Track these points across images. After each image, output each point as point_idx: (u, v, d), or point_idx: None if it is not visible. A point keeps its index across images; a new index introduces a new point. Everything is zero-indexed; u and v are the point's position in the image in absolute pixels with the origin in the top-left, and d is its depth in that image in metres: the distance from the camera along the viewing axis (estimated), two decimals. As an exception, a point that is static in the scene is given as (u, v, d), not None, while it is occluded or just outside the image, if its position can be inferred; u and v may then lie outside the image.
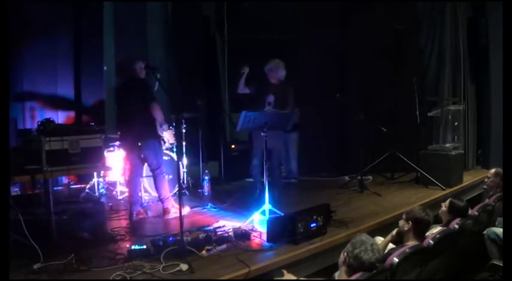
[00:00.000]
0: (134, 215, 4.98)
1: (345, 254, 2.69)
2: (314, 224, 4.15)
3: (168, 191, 5.13)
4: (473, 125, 7.61)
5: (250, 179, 6.78)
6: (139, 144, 4.93)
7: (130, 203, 5.07)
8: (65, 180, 6.42)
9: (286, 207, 4.94)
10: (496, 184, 4.81)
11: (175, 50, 7.47)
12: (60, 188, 6.35)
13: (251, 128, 4.84)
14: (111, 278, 3.28)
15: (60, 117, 6.67)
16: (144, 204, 5.52)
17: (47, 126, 4.07)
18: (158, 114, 4.94)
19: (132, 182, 5.11)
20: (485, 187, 5.06)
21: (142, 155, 5.02)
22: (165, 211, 5.05)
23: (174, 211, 4.99)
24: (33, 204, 4.49)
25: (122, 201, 5.77)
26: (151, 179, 5.24)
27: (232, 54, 7.99)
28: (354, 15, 7.28)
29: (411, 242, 3.30)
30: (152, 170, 5.08)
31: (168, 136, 6.16)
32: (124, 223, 4.88)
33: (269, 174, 4.96)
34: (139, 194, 5.34)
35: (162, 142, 5.31)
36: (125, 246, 3.97)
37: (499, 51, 6.60)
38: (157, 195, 5.19)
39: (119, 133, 5.29)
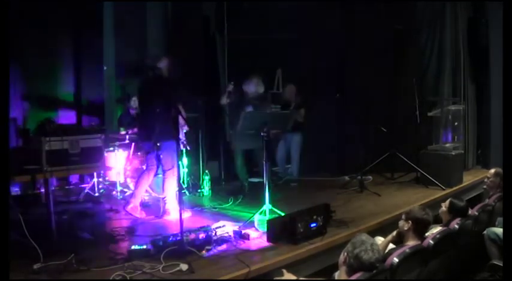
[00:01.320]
0: (130, 206, 4.96)
1: (345, 254, 2.69)
2: (314, 224, 4.15)
3: (174, 193, 5.08)
4: (473, 125, 7.61)
5: (250, 179, 6.79)
6: (158, 144, 4.91)
7: (133, 196, 5.07)
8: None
9: (286, 207, 4.95)
10: (496, 184, 4.81)
11: (175, 50, 7.47)
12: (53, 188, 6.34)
13: (251, 128, 4.84)
14: (111, 278, 3.29)
15: (60, 117, 6.67)
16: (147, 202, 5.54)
17: (47, 126, 4.06)
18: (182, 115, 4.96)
19: (144, 179, 5.12)
20: (485, 187, 5.07)
21: (160, 155, 5.00)
22: (165, 212, 5.04)
23: (174, 214, 4.95)
24: (33, 204, 4.49)
25: (122, 201, 5.77)
26: (154, 179, 5.23)
27: (232, 54, 7.99)
28: (354, 15, 7.28)
29: (411, 242, 3.30)
30: (164, 170, 5.06)
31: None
32: (124, 223, 4.87)
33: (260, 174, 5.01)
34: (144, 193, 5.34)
35: (180, 144, 5.28)
36: (124, 246, 3.97)
37: (499, 51, 6.60)
38: (158, 195, 5.17)
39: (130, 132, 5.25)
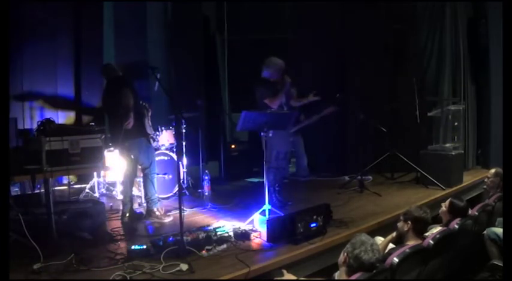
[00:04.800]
0: (126, 217, 4.94)
1: (345, 254, 2.69)
2: (314, 224, 4.15)
3: (155, 193, 5.03)
4: (473, 125, 7.61)
5: (250, 179, 6.80)
6: (127, 144, 4.90)
7: (122, 204, 5.06)
8: (65, 180, 6.42)
9: (286, 207, 4.95)
10: (496, 184, 4.81)
11: (175, 50, 7.48)
12: (59, 188, 6.35)
13: (251, 128, 4.84)
14: (111, 278, 3.29)
15: (60, 117, 6.67)
16: (143, 204, 5.53)
17: (47, 126, 4.06)
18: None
19: (125, 182, 5.09)
20: (485, 187, 5.06)
21: (132, 155, 4.99)
22: (148, 213, 4.98)
23: (158, 215, 4.93)
24: (33, 204, 4.48)
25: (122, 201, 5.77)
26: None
27: (232, 54, 8.00)
28: (354, 15, 7.28)
29: (412, 242, 3.30)
30: (142, 170, 5.04)
31: (167, 136, 6.18)
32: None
33: (274, 174, 5.02)
34: (133, 195, 5.31)
35: (150, 140, 5.23)
36: (124, 246, 3.97)
37: (499, 51, 6.60)
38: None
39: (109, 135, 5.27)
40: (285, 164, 5.41)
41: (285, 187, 5.57)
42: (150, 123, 5.46)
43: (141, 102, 5.17)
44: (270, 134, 4.69)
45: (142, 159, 4.98)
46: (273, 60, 5.22)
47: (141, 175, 5.20)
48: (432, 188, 6.11)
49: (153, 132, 5.85)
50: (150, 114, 5.43)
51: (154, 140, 5.89)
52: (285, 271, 3.22)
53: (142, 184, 5.18)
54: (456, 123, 6.67)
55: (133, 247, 3.76)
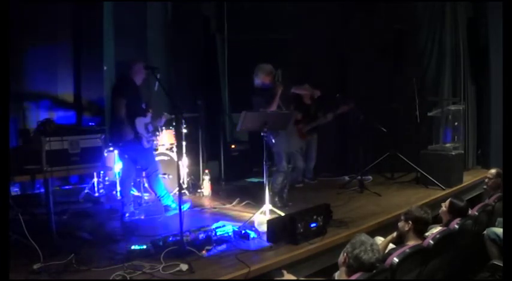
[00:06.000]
0: (126, 216, 4.96)
1: (345, 254, 2.69)
2: (314, 224, 4.15)
3: (165, 189, 5.11)
4: (473, 125, 7.60)
5: (250, 179, 6.78)
6: (121, 145, 4.92)
7: (122, 204, 5.07)
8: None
9: (286, 207, 4.94)
10: (498, 185, 4.80)
11: (175, 50, 7.48)
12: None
13: (251, 128, 4.83)
14: (111, 278, 3.29)
15: (60, 117, 6.67)
16: (144, 204, 5.53)
17: (47, 126, 4.07)
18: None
19: (123, 183, 5.09)
20: (485, 187, 5.06)
21: (125, 155, 5.02)
22: (166, 209, 5.06)
23: (175, 207, 4.99)
24: (33, 204, 4.49)
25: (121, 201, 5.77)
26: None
27: (232, 54, 7.99)
28: (354, 15, 7.28)
29: (412, 242, 3.30)
30: (143, 171, 5.07)
31: (167, 136, 6.17)
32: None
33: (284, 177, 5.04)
34: (133, 195, 5.33)
35: (144, 141, 5.10)
36: (124, 246, 3.97)
37: (499, 51, 6.60)
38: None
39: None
40: (301, 161, 5.36)
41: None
42: (150, 127, 5.46)
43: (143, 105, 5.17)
44: (273, 140, 4.71)
45: (140, 161, 5.00)
46: (260, 67, 5.20)
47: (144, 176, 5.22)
48: (432, 188, 6.11)
49: (149, 133, 5.76)
50: (149, 116, 5.44)
51: (144, 140, 5.78)
52: (285, 271, 3.22)
53: (148, 187, 5.20)
54: (456, 123, 6.67)
55: (133, 247, 3.76)
